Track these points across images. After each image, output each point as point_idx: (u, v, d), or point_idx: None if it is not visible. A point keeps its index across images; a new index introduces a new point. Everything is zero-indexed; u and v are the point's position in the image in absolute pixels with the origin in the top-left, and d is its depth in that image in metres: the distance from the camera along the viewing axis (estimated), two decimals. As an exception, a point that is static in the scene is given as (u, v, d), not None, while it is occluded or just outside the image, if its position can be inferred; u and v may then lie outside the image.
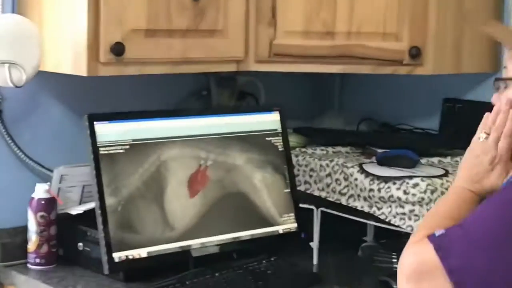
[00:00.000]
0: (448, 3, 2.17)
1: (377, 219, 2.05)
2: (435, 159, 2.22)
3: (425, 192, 1.96)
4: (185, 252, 2.03)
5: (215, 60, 2.13)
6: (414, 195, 1.97)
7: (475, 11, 2.24)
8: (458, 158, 2.23)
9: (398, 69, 2.16)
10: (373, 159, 2.21)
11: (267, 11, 2.15)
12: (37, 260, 2.08)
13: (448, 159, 2.23)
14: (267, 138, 2.22)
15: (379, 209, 2.04)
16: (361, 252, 2.25)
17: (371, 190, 2.05)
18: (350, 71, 2.26)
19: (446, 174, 2.05)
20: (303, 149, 2.34)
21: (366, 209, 2.07)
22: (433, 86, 2.48)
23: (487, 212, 1.40)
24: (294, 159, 2.25)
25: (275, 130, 2.24)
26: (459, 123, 2.39)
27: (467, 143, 2.33)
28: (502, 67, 1.61)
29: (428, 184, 1.97)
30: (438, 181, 2.00)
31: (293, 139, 2.34)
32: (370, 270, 2.12)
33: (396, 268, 2.14)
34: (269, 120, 2.24)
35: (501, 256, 1.34)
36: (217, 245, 2.08)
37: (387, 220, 2.02)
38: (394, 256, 2.15)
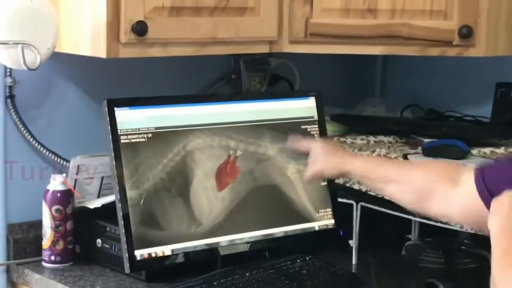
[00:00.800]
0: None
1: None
2: (487, 150, 2.20)
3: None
4: (212, 250, 2.02)
5: (245, 40, 2.11)
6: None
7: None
8: (515, 149, 2.21)
9: (446, 50, 2.14)
10: (419, 149, 2.20)
11: (303, -14, 2.15)
12: (52, 258, 2.07)
13: (501, 150, 2.21)
14: (302, 126, 2.20)
15: (425, 204, 2.01)
16: (405, 251, 2.22)
17: (416, 183, 2.02)
18: (394, 53, 2.25)
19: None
20: (342, 139, 2.34)
21: (411, 205, 2.04)
22: (486, 69, 2.48)
23: None
24: (333, 149, 2.23)
25: (311, 117, 2.22)
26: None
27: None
28: None
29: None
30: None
31: (330, 128, 2.34)
32: (416, 271, 2.10)
33: (444, 268, 2.10)
34: (305, 107, 2.22)
35: None
36: (247, 242, 2.07)
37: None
38: (441, 256, 2.13)
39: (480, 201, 1.61)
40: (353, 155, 2.04)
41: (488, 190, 1.60)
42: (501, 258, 1.41)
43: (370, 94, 2.75)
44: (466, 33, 2.09)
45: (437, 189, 1.72)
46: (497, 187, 1.57)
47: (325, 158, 1.97)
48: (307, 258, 2.07)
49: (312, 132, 2.20)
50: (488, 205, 1.59)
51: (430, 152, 2.14)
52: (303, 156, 2.11)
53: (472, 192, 1.63)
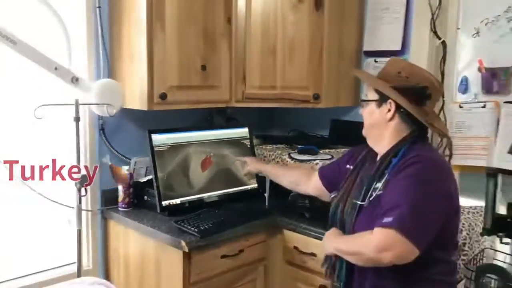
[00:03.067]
0: (332, 68, 2.06)
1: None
2: (327, 151, 2.14)
3: (319, 165, 1.91)
4: (200, 200, 1.98)
5: (214, 101, 2.04)
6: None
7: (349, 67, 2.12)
8: (339, 150, 2.15)
9: (307, 105, 2.07)
10: (296, 151, 2.14)
11: (241, 74, 2.06)
12: (123, 206, 2.00)
13: (333, 151, 2.15)
14: (242, 141, 2.15)
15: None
16: (290, 198, 2.08)
17: (295, 167, 1.96)
18: (284, 106, 2.14)
19: (332, 158, 2.01)
20: (261, 146, 2.26)
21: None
22: (327, 112, 2.35)
23: (407, 191, 1.21)
24: (256, 152, 2.18)
25: (246, 136, 2.17)
26: (340, 133, 2.30)
27: (344, 143, 2.24)
28: (364, 95, 1.53)
29: (322, 162, 1.95)
30: (326, 161, 1.96)
31: (256, 141, 2.26)
32: (294, 208, 2.02)
33: (307, 205, 2.01)
34: (243, 131, 2.17)
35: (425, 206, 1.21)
36: (217, 196, 2.03)
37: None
38: (306, 200, 2.07)
39: (322, 186, 1.63)
40: (265, 163, 1.99)
41: (325, 179, 1.62)
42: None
43: (275, 125, 2.69)
44: (316, 97, 2.04)
45: (302, 181, 1.73)
46: (329, 178, 1.59)
47: (252, 163, 1.96)
48: (244, 203, 2.02)
49: (246, 144, 2.14)
50: (326, 187, 1.60)
51: (301, 152, 2.07)
52: (242, 155, 2.08)
53: (317, 182, 1.65)
